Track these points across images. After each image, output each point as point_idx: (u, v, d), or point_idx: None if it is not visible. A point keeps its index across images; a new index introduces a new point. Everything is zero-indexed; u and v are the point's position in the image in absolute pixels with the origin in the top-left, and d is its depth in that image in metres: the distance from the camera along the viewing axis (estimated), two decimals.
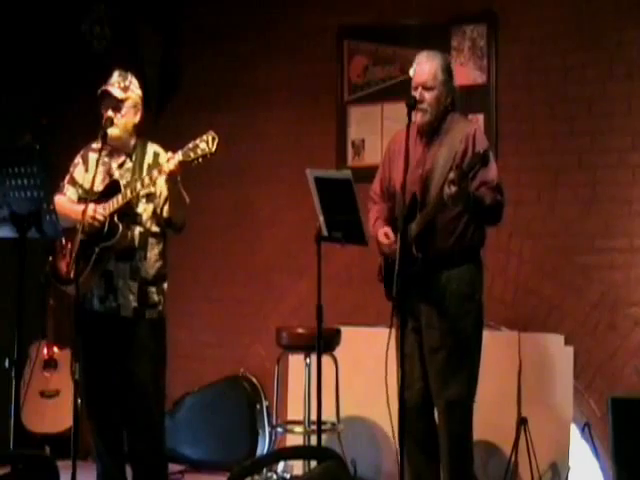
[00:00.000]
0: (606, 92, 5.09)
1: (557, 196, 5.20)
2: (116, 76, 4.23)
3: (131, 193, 4.06)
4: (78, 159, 4.34)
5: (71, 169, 4.35)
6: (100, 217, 4.03)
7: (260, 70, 5.98)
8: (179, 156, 3.94)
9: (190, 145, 3.93)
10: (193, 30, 6.19)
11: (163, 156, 4.20)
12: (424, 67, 4.07)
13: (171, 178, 4.00)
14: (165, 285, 4.26)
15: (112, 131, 4.16)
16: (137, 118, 4.25)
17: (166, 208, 4.16)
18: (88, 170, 4.27)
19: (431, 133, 4.10)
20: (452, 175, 3.77)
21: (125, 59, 5.74)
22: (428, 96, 4.03)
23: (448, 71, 4.10)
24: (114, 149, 4.24)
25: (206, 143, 3.91)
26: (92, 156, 4.29)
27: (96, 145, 4.26)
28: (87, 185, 4.20)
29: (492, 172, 3.99)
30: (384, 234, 4.09)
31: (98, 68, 5.99)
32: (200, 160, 3.92)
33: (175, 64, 6.19)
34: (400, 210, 3.90)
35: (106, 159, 4.24)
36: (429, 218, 3.93)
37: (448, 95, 4.09)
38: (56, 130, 5.88)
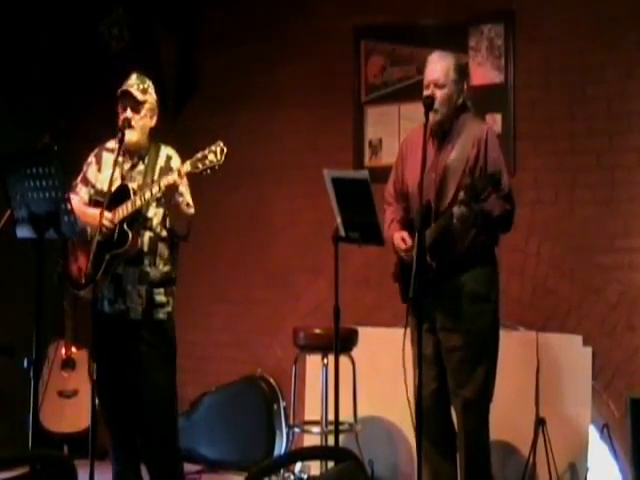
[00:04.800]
0: (625, 91, 5.06)
1: (575, 196, 5.17)
2: (134, 78, 4.23)
3: (140, 201, 4.04)
4: (91, 158, 4.34)
5: (84, 168, 4.35)
6: (108, 224, 4.02)
7: (277, 71, 5.98)
8: (187, 167, 3.91)
9: (199, 156, 3.89)
10: (210, 31, 6.20)
11: (175, 159, 4.21)
12: (436, 65, 4.09)
13: (169, 191, 3.95)
14: (173, 288, 4.25)
15: (130, 134, 4.15)
16: (153, 122, 4.25)
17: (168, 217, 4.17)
18: (101, 170, 4.28)
19: (443, 135, 4.10)
20: (462, 195, 3.78)
21: (143, 61, 5.77)
22: (439, 94, 4.04)
23: (460, 71, 4.11)
24: (127, 151, 4.24)
25: (214, 154, 3.86)
26: (106, 155, 4.29)
27: (111, 145, 4.28)
28: (99, 185, 4.23)
29: (503, 179, 3.98)
30: (401, 239, 4.08)
31: (116, 70, 6.03)
32: (208, 171, 3.87)
33: (192, 65, 6.21)
34: (417, 212, 3.90)
35: (120, 160, 4.23)
36: (439, 232, 3.91)
37: (460, 95, 4.10)
38: (74, 132, 5.89)
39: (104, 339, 4.18)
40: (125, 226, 4.07)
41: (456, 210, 3.80)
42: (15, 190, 4.01)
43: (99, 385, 4.18)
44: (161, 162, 4.21)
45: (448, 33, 5.39)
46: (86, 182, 4.32)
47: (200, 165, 3.88)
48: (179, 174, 3.92)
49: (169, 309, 4.22)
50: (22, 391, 4.22)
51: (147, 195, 4.02)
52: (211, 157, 3.86)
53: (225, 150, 3.85)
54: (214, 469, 5.67)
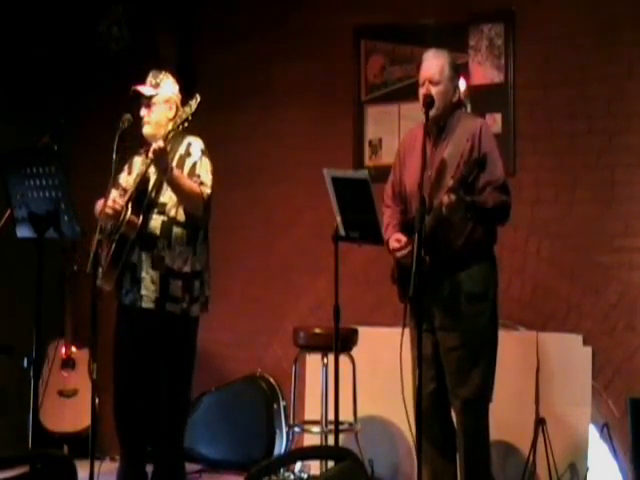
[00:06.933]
0: (624, 91, 5.07)
1: (575, 195, 5.17)
2: (149, 76, 4.26)
3: (140, 178, 4.06)
4: (125, 166, 4.33)
5: (117, 176, 4.32)
6: (110, 204, 4.03)
7: (277, 70, 5.98)
8: (168, 127, 3.98)
9: (179, 112, 4.02)
10: (210, 30, 6.20)
11: (195, 145, 4.19)
12: (431, 62, 4.12)
13: (156, 158, 3.93)
14: (195, 284, 4.15)
15: (146, 129, 4.19)
16: (171, 113, 4.21)
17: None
18: (131, 173, 4.28)
19: (438, 131, 4.11)
20: (450, 182, 3.78)
21: (142, 60, 5.77)
22: (435, 90, 4.06)
23: (454, 69, 4.15)
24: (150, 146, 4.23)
25: (190, 107, 3.95)
26: (136, 159, 4.30)
27: (142, 149, 4.28)
28: (126, 185, 4.24)
29: (498, 171, 3.99)
30: (395, 240, 4.08)
31: (115, 69, 6.05)
32: (185, 124, 3.98)
33: (192, 64, 6.20)
34: (416, 211, 3.90)
35: (145, 161, 4.21)
36: (432, 224, 3.90)
37: (455, 92, 4.12)
38: (74, 131, 5.90)
39: (123, 332, 4.18)
40: (129, 206, 4.06)
41: (445, 199, 3.80)
42: (15, 190, 4.01)
43: (116, 380, 4.16)
44: (181, 150, 4.17)
45: (448, 33, 5.39)
46: (116, 186, 4.28)
47: (178, 120, 3.98)
48: (163, 139, 3.94)
49: (184, 305, 4.12)
50: (22, 391, 4.23)
51: (142, 168, 4.04)
52: (187, 110, 3.97)
53: (199, 99, 3.95)
54: (214, 468, 5.66)
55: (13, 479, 2.20)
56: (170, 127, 4.08)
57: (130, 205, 4.06)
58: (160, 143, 3.92)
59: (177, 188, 4.04)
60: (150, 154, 3.95)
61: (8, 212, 4.11)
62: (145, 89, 4.20)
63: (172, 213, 4.11)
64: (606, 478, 4.92)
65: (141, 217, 4.07)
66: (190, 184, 4.07)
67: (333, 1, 5.89)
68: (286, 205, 5.94)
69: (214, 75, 6.13)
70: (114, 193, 4.20)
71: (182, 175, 4.07)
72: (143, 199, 4.10)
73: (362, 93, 5.76)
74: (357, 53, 5.76)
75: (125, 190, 4.19)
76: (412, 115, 5.17)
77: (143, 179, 4.10)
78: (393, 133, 5.59)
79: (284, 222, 5.94)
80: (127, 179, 4.26)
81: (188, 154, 4.17)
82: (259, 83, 6.04)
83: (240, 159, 6.01)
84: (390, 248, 4.11)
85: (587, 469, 4.81)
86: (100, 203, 4.18)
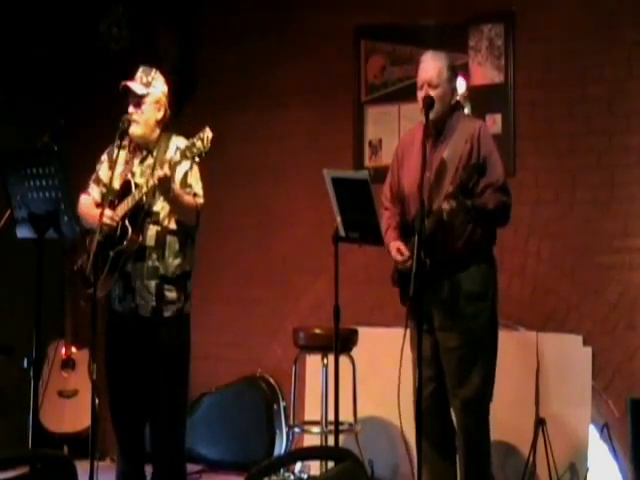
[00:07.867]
0: (624, 91, 5.06)
1: (575, 196, 5.17)
2: (140, 72, 4.22)
3: (138, 195, 4.05)
4: (104, 157, 4.32)
5: (97, 167, 4.34)
6: (108, 221, 4.01)
7: (277, 70, 5.98)
8: (177, 157, 3.91)
9: (188, 144, 3.90)
10: (211, 30, 6.20)
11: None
12: (429, 65, 4.12)
13: (162, 183, 3.93)
14: (187, 283, 4.20)
15: (134, 129, 4.15)
16: (160, 114, 4.21)
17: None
18: (113, 168, 4.25)
19: (437, 133, 4.11)
20: (450, 188, 3.78)
21: (142, 60, 5.76)
22: (433, 93, 4.06)
23: (452, 71, 4.15)
24: (136, 145, 4.23)
25: (202, 141, 3.85)
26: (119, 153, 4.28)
27: (123, 143, 4.26)
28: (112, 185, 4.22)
29: (497, 172, 3.99)
30: (397, 249, 4.08)
31: (116, 69, 6.03)
32: (196, 159, 3.90)
33: (192, 64, 6.20)
34: (415, 213, 3.90)
35: (129, 155, 4.23)
36: (431, 230, 3.89)
37: (453, 94, 4.13)
38: (74, 131, 5.90)
39: (115, 336, 4.19)
40: (126, 222, 4.06)
41: (445, 206, 3.81)
42: (15, 190, 4.01)
43: (110, 383, 4.18)
44: (170, 154, 4.12)
45: (448, 33, 5.39)
46: (98, 181, 4.31)
47: (188, 153, 3.88)
48: (169, 166, 3.92)
49: (179, 305, 4.16)
50: (22, 391, 4.22)
51: (144, 189, 4.02)
52: (198, 144, 3.86)
53: (211, 136, 3.84)
54: (214, 469, 5.67)
55: (13, 479, 2.20)
56: (179, 157, 3.95)
57: (128, 222, 4.05)
58: (166, 170, 3.90)
59: (177, 205, 4.07)
60: (155, 180, 3.93)
61: (8, 212, 4.11)
62: (137, 87, 4.16)
63: (165, 222, 4.13)
64: (606, 478, 4.92)
65: (141, 236, 4.08)
66: (188, 199, 4.09)
67: (333, 1, 5.89)
68: (286, 205, 5.94)
69: (214, 75, 6.14)
70: (95, 190, 4.26)
71: (180, 192, 4.06)
72: (139, 214, 4.09)
73: (362, 93, 5.76)
74: (357, 53, 5.76)
75: (116, 194, 4.15)
76: (412, 115, 5.16)
77: (141, 199, 4.06)
78: (393, 133, 5.58)
79: (284, 222, 5.94)
80: (109, 174, 4.19)
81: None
82: (259, 83, 6.04)
83: (240, 159, 6.01)
84: (392, 256, 4.11)
85: (587, 469, 4.81)
86: (83, 200, 4.20)
